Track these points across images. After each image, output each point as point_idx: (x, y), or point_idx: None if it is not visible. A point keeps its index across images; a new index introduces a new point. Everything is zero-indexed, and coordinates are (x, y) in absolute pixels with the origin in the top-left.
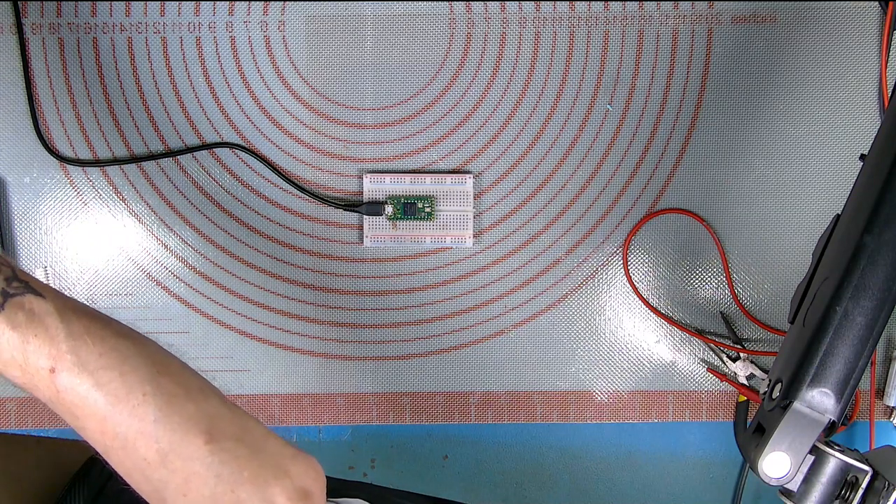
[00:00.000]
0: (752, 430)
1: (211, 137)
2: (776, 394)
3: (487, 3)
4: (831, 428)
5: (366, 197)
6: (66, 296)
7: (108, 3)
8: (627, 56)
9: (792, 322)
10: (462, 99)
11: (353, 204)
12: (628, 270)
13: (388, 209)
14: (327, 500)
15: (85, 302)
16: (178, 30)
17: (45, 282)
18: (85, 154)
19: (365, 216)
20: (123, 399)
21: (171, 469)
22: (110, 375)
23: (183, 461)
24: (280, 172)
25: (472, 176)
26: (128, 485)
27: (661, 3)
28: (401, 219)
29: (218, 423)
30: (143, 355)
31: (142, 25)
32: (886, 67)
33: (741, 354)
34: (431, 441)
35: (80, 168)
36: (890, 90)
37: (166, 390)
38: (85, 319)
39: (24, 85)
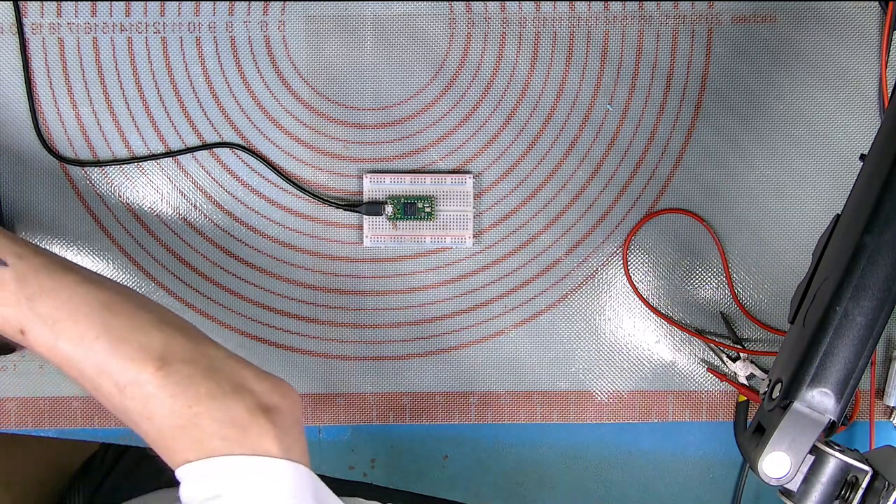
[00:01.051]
0: (752, 430)
1: (211, 137)
2: (776, 394)
3: (487, 3)
4: (831, 428)
5: (366, 197)
6: (31, 254)
7: (108, 3)
8: (627, 56)
9: (792, 322)
10: (462, 99)
11: (353, 204)
12: (628, 270)
13: (388, 209)
14: None
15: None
16: (178, 30)
17: None
18: (85, 154)
19: (365, 216)
20: (79, 343)
21: (130, 397)
22: (65, 325)
23: (139, 388)
24: (280, 172)
25: (472, 176)
26: (123, 482)
27: (661, 3)
28: (401, 219)
29: (169, 350)
30: (97, 301)
31: (142, 25)
32: (886, 67)
33: (741, 354)
34: (431, 441)
35: (80, 168)
36: (890, 90)
37: (115, 329)
38: (41, 277)
39: (24, 85)
